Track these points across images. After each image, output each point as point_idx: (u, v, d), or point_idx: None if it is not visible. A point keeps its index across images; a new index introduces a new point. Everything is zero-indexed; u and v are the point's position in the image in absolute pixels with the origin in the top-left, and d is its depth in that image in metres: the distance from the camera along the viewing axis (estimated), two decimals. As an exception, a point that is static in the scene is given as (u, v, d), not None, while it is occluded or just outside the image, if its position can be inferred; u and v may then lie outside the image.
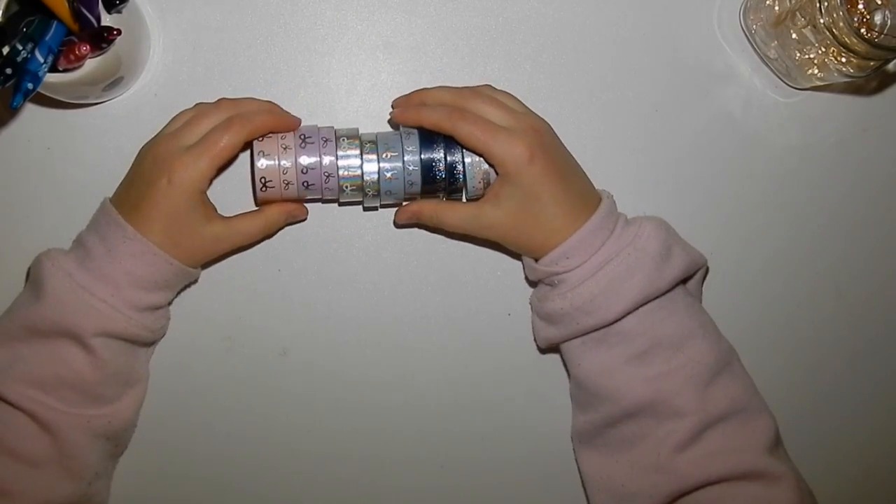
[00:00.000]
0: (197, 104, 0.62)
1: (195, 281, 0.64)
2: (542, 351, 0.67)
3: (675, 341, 0.59)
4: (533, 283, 0.66)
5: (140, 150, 0.61)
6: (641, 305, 0.59)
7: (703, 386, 0.58)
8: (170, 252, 0.59)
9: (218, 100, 0.62)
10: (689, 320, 0.60)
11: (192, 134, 0.59)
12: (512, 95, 0.63)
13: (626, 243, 0.59)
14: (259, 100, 0.63)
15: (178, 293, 0.64)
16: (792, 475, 0.58)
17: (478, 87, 0.63)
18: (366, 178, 0.62)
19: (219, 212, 0.63)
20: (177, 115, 0.62)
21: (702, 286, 0.65)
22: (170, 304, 0.64)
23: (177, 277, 0.61)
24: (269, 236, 0.65)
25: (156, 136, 0.61)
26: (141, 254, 0.58)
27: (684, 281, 0.62)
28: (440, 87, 0.63)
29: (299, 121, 0.63)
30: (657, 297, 0.59)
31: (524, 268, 0.65)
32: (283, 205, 0.63)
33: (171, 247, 0.59)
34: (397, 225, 0.67)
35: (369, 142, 0.62)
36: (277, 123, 0.61)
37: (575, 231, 0.59)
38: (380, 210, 0.67)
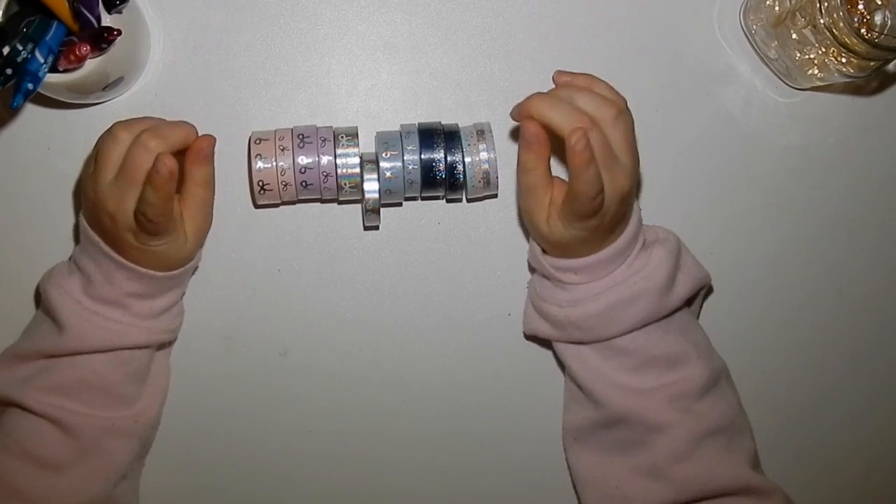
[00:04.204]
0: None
1: (196, 267, 0.63)
2: (527, 337, 0.67)
3: (669, 360, 0.59)
4: (531, 268, 0.65)
5: None
6: (639, 329, 0.59)
7: (692, 402, 0.58)
8: (156, 268, 0.58)
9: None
10: (683, 341, 0.60)
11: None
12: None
13: (635, 271, 0.58)
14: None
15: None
16: (780, 491, 0.59)
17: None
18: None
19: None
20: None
21: (702, 304, 0.65)
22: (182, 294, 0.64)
23: (174, 280, 0.60)
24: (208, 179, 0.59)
25: None
26: (136, 277, 0.58)
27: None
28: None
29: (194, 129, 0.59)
30: (655, 322, 0.59)
31: (530, 249, 0.64)
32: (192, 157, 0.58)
33: (156, 264, 0.58)
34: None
35: (369, 141, 0.62)
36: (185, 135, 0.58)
37: (596, 252, 0.58)
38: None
